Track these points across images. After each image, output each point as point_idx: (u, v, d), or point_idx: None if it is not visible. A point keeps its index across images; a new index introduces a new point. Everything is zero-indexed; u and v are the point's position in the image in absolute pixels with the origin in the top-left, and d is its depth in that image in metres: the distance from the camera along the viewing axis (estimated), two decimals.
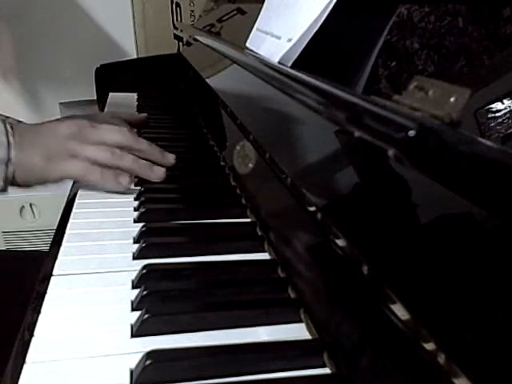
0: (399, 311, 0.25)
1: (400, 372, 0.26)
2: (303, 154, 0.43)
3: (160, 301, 0.36)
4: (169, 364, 0.30)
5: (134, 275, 0.40)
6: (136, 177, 0.58)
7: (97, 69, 1.17)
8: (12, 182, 0.54)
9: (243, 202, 0.54)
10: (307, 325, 0.35)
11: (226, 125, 0.68)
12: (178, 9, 1.46)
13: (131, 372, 0.30)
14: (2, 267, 0.78)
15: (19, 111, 1.43)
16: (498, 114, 0.27)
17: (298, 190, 0.40)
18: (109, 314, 0.35)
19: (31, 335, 0.33)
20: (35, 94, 1.52)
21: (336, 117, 0.35)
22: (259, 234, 0.47)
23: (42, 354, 0.31)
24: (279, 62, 0.50)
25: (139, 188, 0.57)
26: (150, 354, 0.30)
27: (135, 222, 0.50)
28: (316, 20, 0.45)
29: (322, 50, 0.47)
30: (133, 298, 0.37)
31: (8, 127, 0.54)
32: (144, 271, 0.39)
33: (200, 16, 1.35)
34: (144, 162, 0.57)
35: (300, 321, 0.35)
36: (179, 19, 1.47)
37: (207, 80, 0.79)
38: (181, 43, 1.44)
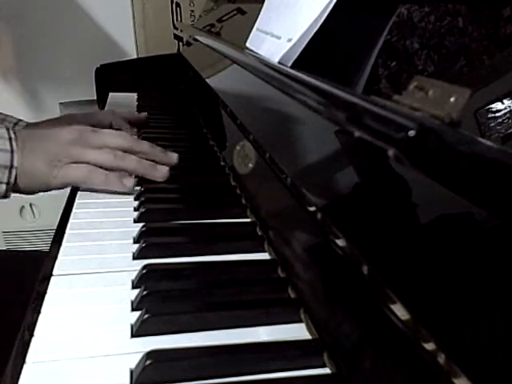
0: (399, 311, 0.25)
1: (400, 372, 0.26)
2: (303, 154, 0.43)
3: (160, 301, 0.36)
4: (169, 364, 0.30)
5: (134, 275, 0.40)
6: (136, 176, 0.58)
7: (97, 69, 1.17)
8: (15, 187, 0.54)
9: (243, 202, 0.54)
10: (307, 325, 0.35)
11: (226, 125, 0.68)
12: (178, 9, 1.46)
13: (131, 372, 0.30)
14: (2, 267, 0.78)
15: (19, 111, 1.43)
16: (498, 114, 0.27)
17: (298, 190, 0.40)
18: (109, 314, 0.35)
19: (31, 335, 0.33)
20: (35, 94, 1.52)
21: (336, 117, 0.35)
22: (259, 233, 0.47)
23: (42, 354, 0.31)
24: (279, 62, 0.50)
25: (139, 188, 0.57)
26: (149, 354, 0.30)
27: (135, 221, 0.50)
28: (316, 20, 0.45)
29: (322, 49, 0.47)
30: (133, 298, 0.37)
31: (11, 133, 0.54)
32: (144, 271, 0.39)
33: (200, 16, 1.35)
34: (147, 162, 0.58)
35: (300, 321, 0.35)
36: (179, 19, 1.47)
37: (207, 80, 0.79)
38: (181, 43, 1.44)
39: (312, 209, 0.37)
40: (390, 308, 0.26)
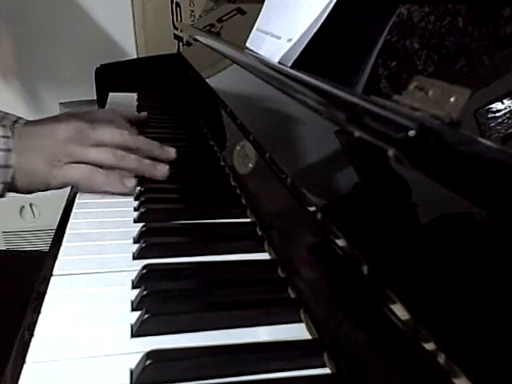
0: (399, 311, 0.25)
1: (400, 372, 0.26)
2: (303, 153, 0.43)
3: (160, 301, 0.36)
4: (169, 364, 0.30)
5: (134, 275, 0.40)
6: (136, 176, 0.57)
7: (97, 69, 1.17)
8: (13, 187, 0.53)
9: (243, 202, 0.54)
10: (307, 325, 0.35)
11: (226, 125, 0.68)
12: (178, 9, 1.46)
13: (131, 372, 0.30)
14: (2, 267, 0.78)
15: (19, 111, 1.41)
16: (498, 114, 0.27)
17: (298, 190, 0.40)
18: (109, 314, 0.35)
19: (31, 335, 0.33)
20: (35, 94, 1.52)
21: (336, 117, 0.35)
22: (259, 233, 0.47)
23: (42, 354, 0.31)
24: (279, 62, 0.50)
25: (139, 188, 0.57)
26: (149, 354, 0.30)
27: (135, 221, 0.50)
28: (316, 20, 0.45)
29: (322, 49, 0.47)
30: (133, 298, 0.37)
31: (9, 132, 0.53)
32: (144, 271, 0.39)
33: (200, 16, 1.35)
34: (147, 161, 0.57)
35: (300, 321, 0.35)
36: (179, 19, 1.47)
37: (207, 80, 0.79)
38: (181, 43, 1.44)
39: (312, 209, 0.37)
40: (390, 308, 0.26)
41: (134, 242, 0.45)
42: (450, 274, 0.23)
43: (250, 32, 0.63)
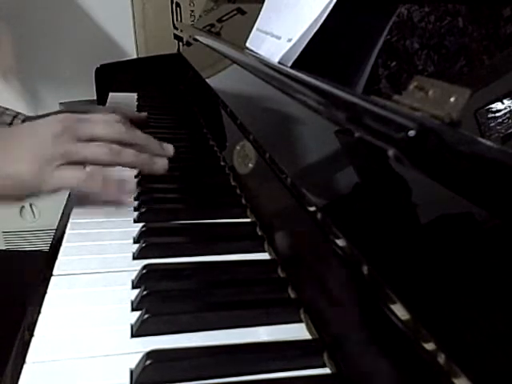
0: (399, 311, 0.25)
1: (400, 372, 0.26)
2: (303, 153, 0.43)
3: (160, 301, 0.36)
4: (169, 364, 0.30)
5: (134, 275, 0.40)
6: (136, 177, 0.57)
7: (97, 69, 1.17)
8: None
9: (243, 202, 0.54)
10: (307, 325, 0.35)
11: (226, 125, 0.68)
12: (178, 9, 1.46)
13: (131, 372, 0.30)
14: (2, 267, 0.78)
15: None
16: (498, 114, 0.27)
17: (298, 190, 0.40)
18: (109, 314, 0.35)
19: (31, 335, 0.33)
20: (35, 94, 1.52)
21: (336, 117, 0.35)
22: (259, 233, 0.47)
23: (42, 354, 0.31)
24: (279, 62, 0.50)
25: (139, 188, 0.57)
26: (149, 354, 0.30)
27: (135, 221, 0.50)
28: (316, 20, 0.45)
29: (322, 49, 0.47)
30: (133, 298, 0.37)
31: None
32: (144, 271, 0.39)
33: (200, 16, 1.35)
34: (145, 155, 0.52)
35: (300, 321, 0.35)
36: (179, 19, 1.47)
37: (207, 80, 0.79)
38: (181, 43, 1.44)
39: (312, 209, 0.37)
40: (390, 308, 0.26)
41: (134, 242, 0.45)
42: (449, 274, 0.23)
43: (250, 32, 0.63)
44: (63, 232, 0.47)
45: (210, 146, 0.74)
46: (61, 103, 1.50)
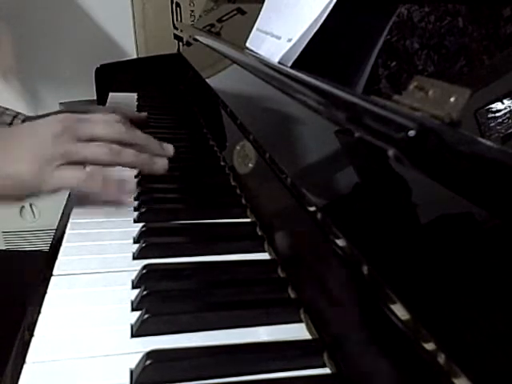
0: (399, 311, 0.25)
1: (400, 372, 0.26)
2: (303, 154, 0.43)
3: (160, 301, 0.36)
4: (169, 364, 0.30)
5: (134, 275, 0.40)
6: (136, 177, 0.57)
7: (97, 69, 1.17)
8: None
9: (243, 202, 0.54)
10: (307, 325, 0.35)
11: (226, 125, 0.68)
12: (178, 9, 1.46)
13: (131, 372, 0.30)
14: (2, 267, 0.78)
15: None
16: (498, 114, 0.27)
17: (298, 190, 0.40)
18: (109, 314, 0.35)
19: (31, 335, 0.33)
20: (35, 94, 1.52)
21: (336, 117, 0.35)
22: (259, 233, 0.47)
23: (42, 354, 0.31)
24: (279, 62, 0.50)
25: (139, 188, 0.57)
26: (149, 354, 0.30)
27: (135, 221, 0.50)
28: (316, 20, 0.45)
29: (322, 49, 0.47)
30: (133, 298, 0.37)
31: None
32: (144, 271, 0.39)
33: (200, 16, 1.35)
34: (145, 155, 0.52)
35: (300, 321, 0.35)
36: (179, 19, 1.47)
37: (207, 80, 0.79)
38: (181, 43, 1.44)
39: (312, 209, 0.37)
40: (390, 308, 0.26)
41: (134, 242, 0.45)
42: (449, 274, 0.23)
43: (250, 32, 0.63)
44: (63, 232, 0.47)
45: (210, 146, 0.74)
46: (61, 103, 1.50)
